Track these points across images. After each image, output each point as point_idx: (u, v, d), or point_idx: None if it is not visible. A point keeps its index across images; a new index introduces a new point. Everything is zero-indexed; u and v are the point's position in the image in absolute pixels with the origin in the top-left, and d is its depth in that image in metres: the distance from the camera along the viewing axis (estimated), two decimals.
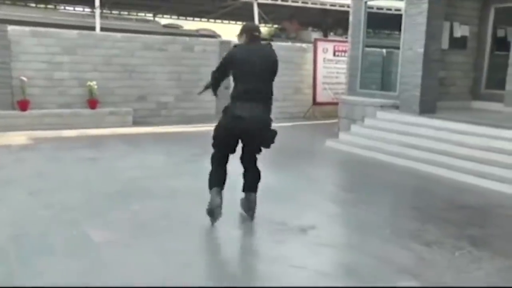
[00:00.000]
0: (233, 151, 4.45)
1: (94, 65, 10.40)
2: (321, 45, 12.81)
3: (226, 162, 4.48)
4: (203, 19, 19.46)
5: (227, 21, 19.65)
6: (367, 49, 10.18)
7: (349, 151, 8.25)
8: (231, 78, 4.45)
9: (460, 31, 9.57)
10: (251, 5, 14.85)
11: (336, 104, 10.87)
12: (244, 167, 4.56)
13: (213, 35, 16.63)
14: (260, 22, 15.61)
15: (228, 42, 11.50)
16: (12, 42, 9.55)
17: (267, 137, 4.29)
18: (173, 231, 4.29)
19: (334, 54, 12.90)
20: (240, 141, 4.41)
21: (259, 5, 14.86)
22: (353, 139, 8.56)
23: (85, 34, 10.59)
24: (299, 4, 15.36)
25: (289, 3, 15.22)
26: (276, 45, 12.44)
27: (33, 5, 16.72)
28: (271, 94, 4.35)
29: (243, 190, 4.60)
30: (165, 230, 4.28)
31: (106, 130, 9.61)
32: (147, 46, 11.02)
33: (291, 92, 12.54)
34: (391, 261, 3.79)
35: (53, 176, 6.06)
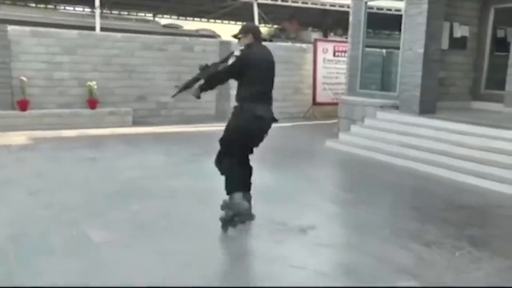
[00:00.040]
0: (252, 151, 4.41)
1: (94, 65, 10.41)
2: (321, 45, 12.81)
3: (248, 163, 4.42)
4: (203, 19, 19.45)
5: (227, 21, 19.63)
6: (367, 49, 10.19)
7: (349, 151, 8.25)
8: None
9: (460, 31, 9.57)
10: (251, 5, 14.85)
11: (336, 104, 10.87)
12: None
13: (213, 35, 16.62)
14: (260, 22, 15.61)
15: (228, 42, 11.50)
16: (12, 42, 9.56)
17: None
18: (173, 231, 4.29)
19: (334, 54, 12.90)
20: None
21: (259, 5, 14.86)
22: (353, 139, 8.56)
23: (85, 34, 10.60)
24: (299, 4, 15.36)
25: (289, 3, 15.21)
26: (276, 45, 12.63)
27: (33, 5, 16.71)
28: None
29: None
30: (165, 230, 4.28)
31: (105, 130, 9.61)
32: (147, 46, 11.03)
33: (291, 92, 12.53)
34: (391, 261, 3.79)
35: (52, 176, 6.06)
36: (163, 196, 5.29)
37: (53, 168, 6.46)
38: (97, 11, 12.89)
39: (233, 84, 4.47)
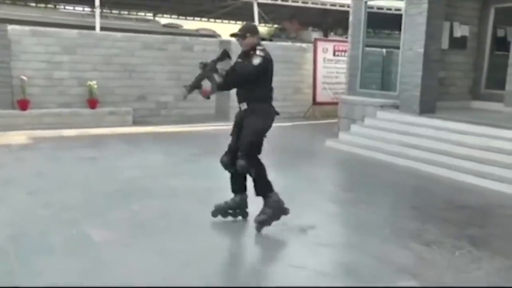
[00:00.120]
0: None
1: (94, 65, 10.40)
2: (321, 45, 12.81)
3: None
4: (203, 19, 19.47)
5: (227, 21, 19.65)
6: (367, 49, 10.18)
7: (349, 151, 8.25)
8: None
9: (460, 31, 9.57)
10: (251, 5, 14.85)
11: (336, 104, 10.87)
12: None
13: (213, 35, 16.63)
14: (260, 22, 15.62)
15: (228, 42, 11.48)
16: (12, 42, 9.55)
17: None
18: (173, 230, 4.29)
19: (334, 54, 12.89)
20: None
21: (259, 5, 14.86)
22: (353, 139, 8.56)
23: (85, 34, 10.59)
24: (299, 4, 15.37)
25: (289, 3, 15.22)
26: (276, 45, 12.63)
27: (33, 4, 16.73)
28: None
29: (243, 191, 4.55)
30: (165, 230, 4.28)
31: (105, 129, 9.61)
32: (147, 46, 11.02)
33: (291, 92, 12.52)
34: (391, 261, 3.78)
35: (52, 175, 6.06)
36: (163, 196, 5.28)
37: (53, 168, 6.45)
38: (97, 11, 12.90)
39: None
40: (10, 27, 9.59)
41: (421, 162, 7.06)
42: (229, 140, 4.47)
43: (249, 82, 4.19)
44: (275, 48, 10.93)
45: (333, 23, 18.83)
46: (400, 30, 8.95)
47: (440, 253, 3.98)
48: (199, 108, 11.30)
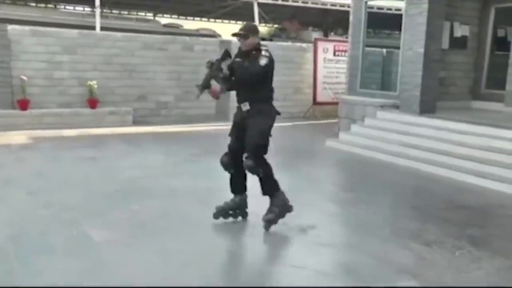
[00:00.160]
0: None
1: (94, 65, 10.40)
2: (321, 45, 12.80)
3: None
4: (203, 19, 19.47)
5: (227, 21, 19.65)
6: (367, 48, 10.18)
7: (349, 151, 8.25)
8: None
9: (460, 31, 9.56)
10: (251, 4, 14.84)
11: (336, 104, 10.86)
12: (240, 168, 4.36)
13: (213, 35, 16.62)
14: (260, 22, 15.61)
15: (228, 42, 11.48)
16: (12, 42, 9.55)
17: None
18: (173, 230, 4.29)
19: (334, 54, 12.89)
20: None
21: (259, 4, 14.86)
22: (353, 139, 8.56)
23: (85, 34, 10.59)
24: (300, 4, 15.36)
25: (290, 3, 15.21)
26: (276, 44, 12.63)
27: (33, 4, 16.73)
28: None
29: (243, 191, 4.54)
30: (165, 230, 4.28)
31: (106, 129, 9.61)
32: (147, 46, 11.02)
33: (291, 92, 12.52)
34: (391, 261, 3.78)
35: (53, 175, 6.06)
36: (163, 196, 5.28)
37: (53, 168, 6.45)
38: (97, 11, 12.90)
39: None
40: (10, 27, 9.59)
41: (421, 162, 7.06)
42: (229, 140, 4.47)
43: (255, 83, 4.19)
44: (275, 48, 10.88)
45: (333, 23, 18.83)
46: (400, 30, 8.95)
47: (440, 253, 3.98)
48: (199, 108, 11.30)
